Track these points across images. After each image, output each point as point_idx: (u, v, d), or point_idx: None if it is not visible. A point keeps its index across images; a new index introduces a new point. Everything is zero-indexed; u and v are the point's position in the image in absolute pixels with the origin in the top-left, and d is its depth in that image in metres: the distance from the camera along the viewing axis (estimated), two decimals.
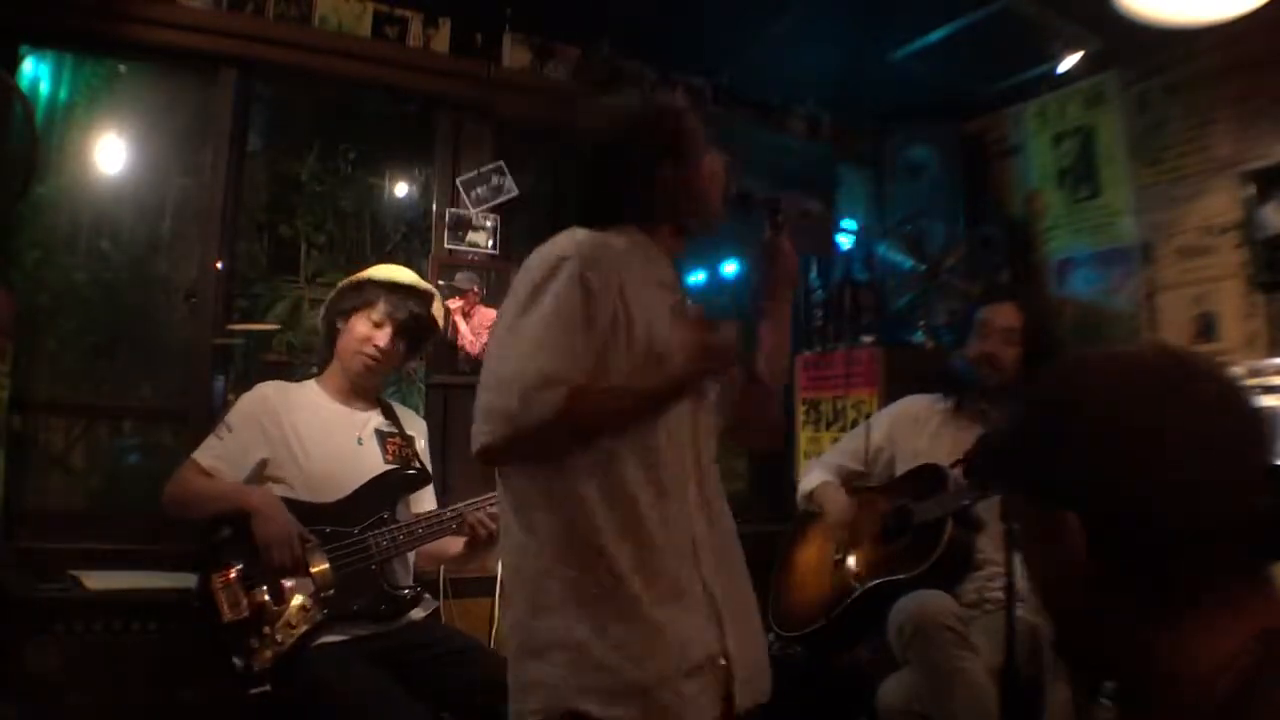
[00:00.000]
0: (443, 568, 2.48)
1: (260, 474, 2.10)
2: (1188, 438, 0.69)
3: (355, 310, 2.21)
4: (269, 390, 2.20)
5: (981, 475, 1.54)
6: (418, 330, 2.27)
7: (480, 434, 1.32)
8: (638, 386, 1.38)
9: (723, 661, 1.37)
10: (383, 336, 2.19)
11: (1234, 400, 0.72)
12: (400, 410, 2.37)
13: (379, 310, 2.20)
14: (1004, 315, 2.45)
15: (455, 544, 2.20)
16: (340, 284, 2.28)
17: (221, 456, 2.08)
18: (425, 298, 2.31)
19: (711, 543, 1.44)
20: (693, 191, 1.51)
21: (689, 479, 1.44)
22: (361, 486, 2.10)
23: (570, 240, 1.39)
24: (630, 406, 1.37)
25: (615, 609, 1.31)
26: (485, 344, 2.88)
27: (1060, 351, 3.01)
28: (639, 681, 1.28)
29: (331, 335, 2.26)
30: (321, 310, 2.29)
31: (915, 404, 2.58)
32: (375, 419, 2.27)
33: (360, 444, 2.20)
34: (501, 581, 1.53)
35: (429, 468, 2.36)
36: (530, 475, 1.38)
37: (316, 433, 2.15)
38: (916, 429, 2.51)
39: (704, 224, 1.56)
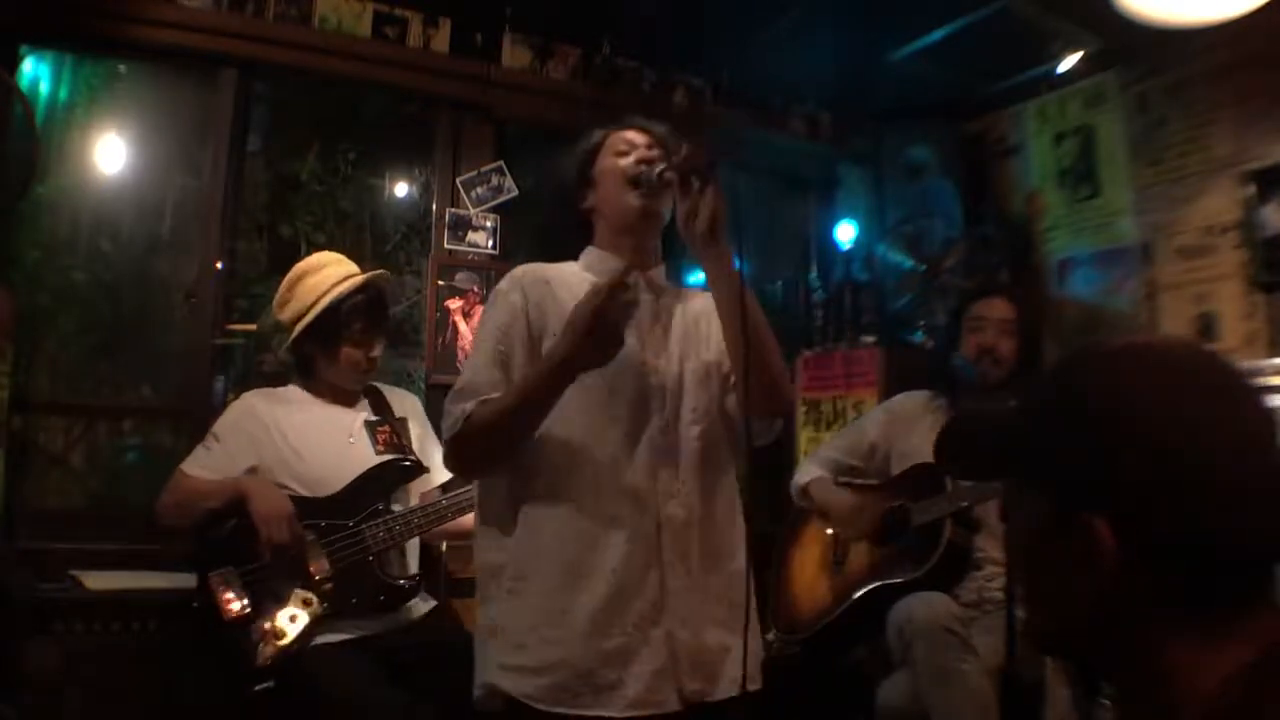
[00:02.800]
0: (445, 567, 2.49)
1: None
2: (1229, 439, 0.66)
3: (338, 341, 2.17)
4: (254, 398, 2.21)
5: (961, 466, 1.27)
6: (384, 315, 2.29)
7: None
8: (516, 384, 1.44)
9: (661, 645, 1.38)
10: (375, 346, 2.23)
11: (1261, 400, 0.70)
12: (388, 391, 2.36)
13: (360, 325, 2.18)
14: (997, 308, 2.44)
15: (469, 520, 2.19)
16: (307, 312, 2.16)
17: (209, 467, 2.09)
18: (377, 283, 2.26)
19: (673, 519, 1.44)
20: (605, 208, 1.59)
21: (637, 453, 1.45)
22: (356, 479, 2.11)
23: (509, 275, 1.56)
24: (513, 402, 1.41)
25: (527, 596, 1.41)
26: None
27: (1057, 349, 3.01)
28: (546, 661, 1.36)
29: (308, 356, 2.21)
30: (288, 341, 2.19)
31: (912, 401, 2.57)
32: (363, 412, 2.27)
33: (352, 440, 2.20)
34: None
35: (431, 445, 2.31)
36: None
37: (307, 435, 2.15)
38: (913, 427, 2.50)
39: (619, 217, 1.56)
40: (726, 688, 1.42)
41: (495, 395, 1.42)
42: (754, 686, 1.43)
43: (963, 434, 0.87)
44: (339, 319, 2.17)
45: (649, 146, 1.57)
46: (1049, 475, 0.72)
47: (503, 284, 1.55)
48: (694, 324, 1.59)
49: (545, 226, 1.78)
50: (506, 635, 1.42)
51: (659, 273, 1.63)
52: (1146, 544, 0.66)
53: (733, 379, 1.51)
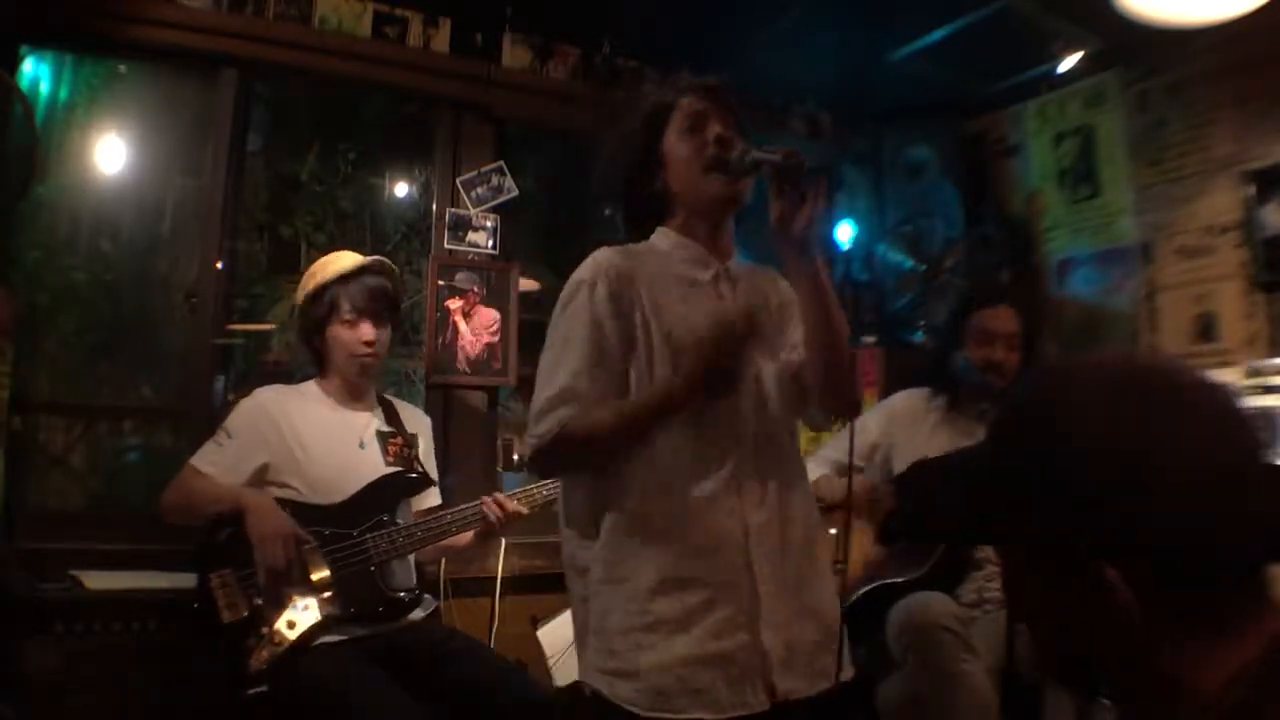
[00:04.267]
0: (443, 567, 2.49)
1: (261, 479, 2.09)
2: (1198, 444, 0.67)
3: (328, 320, 2.18)
4: (268, 395, 2.18)
5: (924, 533, 1.32)
6: (386, 303, 2.24)
7: (525, 447, 1.46)
8: (624, 405, 1.40)
9: (753, 649, 1.37)
10: (366, 330, 2.17)
11: (1230, 408, 0.70)
12: (402, 407, 2.36)
13: (345, 309, 2.16)
14: (1003, 320, 2.43)
15: (466, 535, 2.21)
16: (299, 300, 2.23)
17: (220, 463, 2.07)
18: (375, 269, 2.26)
19: (759, 524, 1.42)
20: (679, 186, 1.49)
21: (725, 461, 1.41)
22: (362, 489, 2.10)
23: (590, 262, 1.46)
24: (617, 424, 1.38)
25: (617, 600, 1.38)
26: (485, 345, 2.90)
27: (1057, 349, 3.01)
28: (641, 665, 1.33)
29: (315, 351, 2.24)
30: (295, 333, 2.26)
31: (912, 400, 2.57)
32: (376, 420, 2.26)
33: (362, 447, 2.20)
34: None
35: (432, 466, 2.36)
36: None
37: (318, 436, 2.14)
38: (914, 427, 2.50)
39: (699, 202, 1.48)
40: (818, 682, 1.41)
41: (593, 403, 1.38)
42: (847, 676, 1.44)
43: (916, 497, 0.83)
44: (325, 297, 2.17)
45: (724, 123, 1.48)
46: (1036, 528, 0.70)
47: (583, 273, 1.45)
48: (775, 319, 1.55)
49: (602, 209, 1.66)
50: (600, 638, 1.40)
51: (736, 258, 1.56)
52: (1148, 566, 0.65)
53: (805, 377, 1.48)
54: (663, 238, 1.53)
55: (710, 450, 1.42)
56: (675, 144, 1.49)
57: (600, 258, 1.46)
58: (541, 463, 1.44)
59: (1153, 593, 0.66)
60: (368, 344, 2.18)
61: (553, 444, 1.37)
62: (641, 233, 1.56)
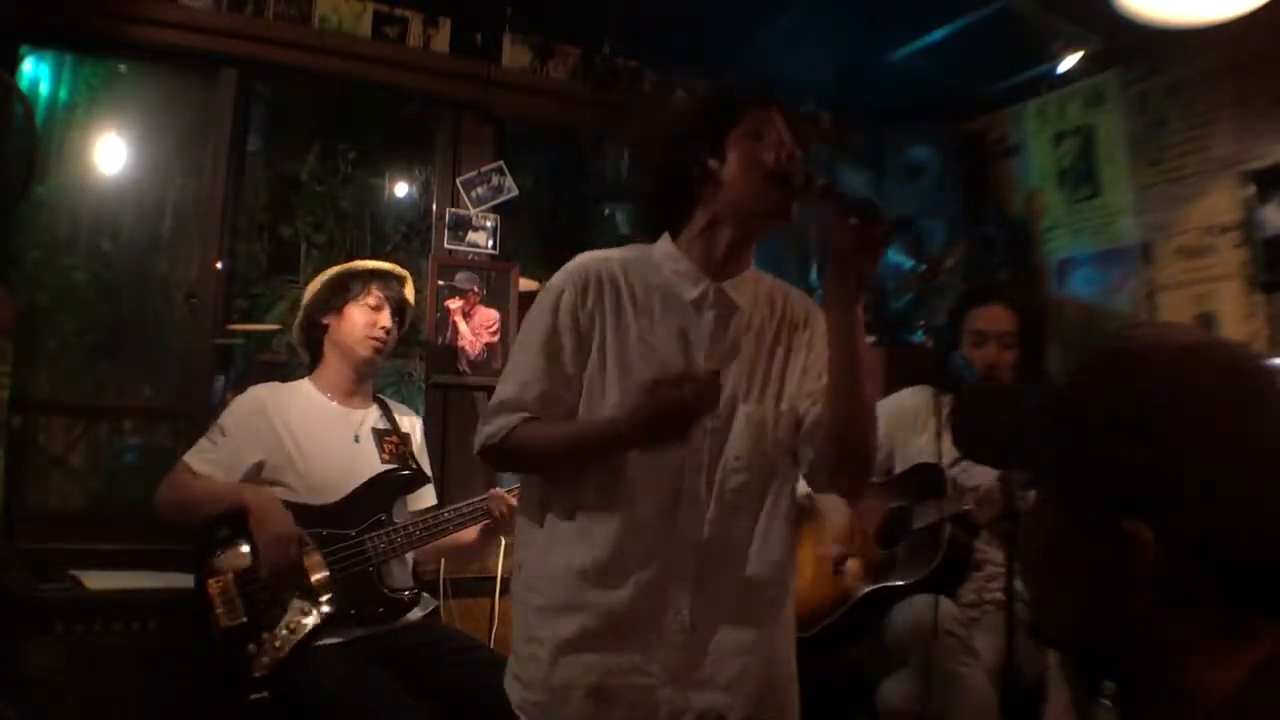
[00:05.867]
0: (443, 567, 2.49)
1: (256, 477, 2.09)
2: (1268, 440, 0.64)
3: (347, 303, 2.22)
4: (263, 393, 2.19)
5: (989, 455, 1.24)
6: (403, 309, 2.33)
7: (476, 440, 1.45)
8: (570, 428, 1.39)
9: (654, 685, 1.33)
10: (385, 318, 2.22)
11: None
12: (394, 406, 2.37)
13: (374, 295, 2.22)
14: (996, 319, 2.43)
15: (469, 533, 2.21)
16: (319, 282, 2.26)
17: (214, 461, 2.07)
18: (401, 278, 2.35)
19: (697, 574, 1.36)
20: (719, 181, 1.39)
21: (663, 507, 1.36)
22: (359, 488, 2.10)
23: (569, 267, 1.44)
24: (558, 446, 1.39)
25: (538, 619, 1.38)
26: (485, 344, 2.90)
27: (1057, 350, 3.01)
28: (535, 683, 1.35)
29: (317, 335, 2.25)
30: (300, 314, 2.27)
31: (912, 399, 2.57)
32: (372, 417, 2.26)
33: (357, 442, 2.20)
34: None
35: (425, 463, 2.36)
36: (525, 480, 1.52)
37: (313, 433, 2.14)
38: (914, 426, 2.50)
39: (744, 209, 1.39)
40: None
41: (537, 415, 1.37)
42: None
43: (980, 416, 0.82)
44: (351, 276, 2.24)
45: (795, 142, 1.39)
46: (1081, 478, 0.69)
47: (558, 278, 1.43)
48: (767, 357, 1.44)
49: (602, 210, 1.60)
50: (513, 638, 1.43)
51: (746, 275, 1.46)
52: (1186, 550, 0.64)
53: (813, 431, 1.40)
54: (661, 246, 1.46)
55: (652, 482, 1.35)
56: (742, 145, 1.39)
57: (577, 265, 1.43)
58: (488, 459, 1.45)
59: (1184, 582, 0.65)
60: (385, 329, 2.22)
61: (497, 447, 1.39)
62: (651, 236, 1.49)
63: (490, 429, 1.39)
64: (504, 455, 1.41)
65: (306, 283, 2.43)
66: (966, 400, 0.86)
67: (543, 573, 1.39)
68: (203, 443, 2.10)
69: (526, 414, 1.37)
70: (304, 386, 2.25)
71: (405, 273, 2.38)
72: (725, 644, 1.37)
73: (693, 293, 1.42)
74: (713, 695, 1.35)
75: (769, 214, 1.40)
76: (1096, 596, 0.69)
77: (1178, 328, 0.77)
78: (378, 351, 2.23)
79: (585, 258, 1.44)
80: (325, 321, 2.23)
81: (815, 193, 1.32)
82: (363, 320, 2.20)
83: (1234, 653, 0.64)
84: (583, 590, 1.34)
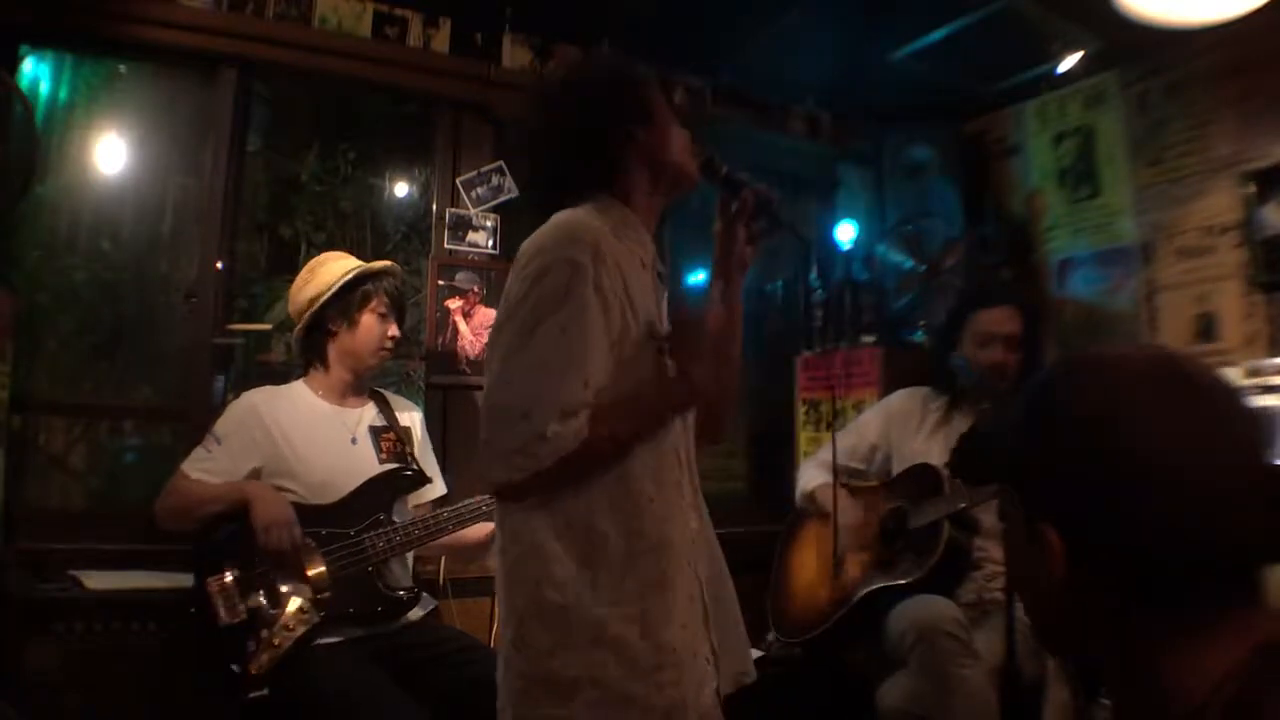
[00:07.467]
0: (443, 566, 2.49)
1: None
2: (1186, 451, 0.66)
3: (360, 309, 2.19)
4: (256, 398, 2.18)
5: (966, 473, 1.46)
6: (403, 309, 2.32)
7: (496, 472, 1.26)
8: (650, 400, 1.35)
9: (709, 659, 1.38)
10: (394, 327, 2.23)
11: (1232, 407, 0.70)
12: (393, 399, 2.36)
13: (383, 302, 2.21)
14: (1003, 321, 2.43)
15: (477, 531, 2.20)
16: (331, 286, 2.19)
17: (211, 469, 2.07)
18: (396, 273, 2.32)
19: (705, 536, 1.45)
20: (665, 150, 1.46)
21: (682, 477, 1.42)
22: (358, 488, 2.10)
23: (572, 235, 1.31)
24: (647, 423, 1.34)
25: (638, 634, 1.28)
26: (485, 346, 2.89)
27: (1056, 352, 3.01)
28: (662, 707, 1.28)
29: (322, 340, 2.22)
30: (307, 318, 2.20)
31: (910, 399, 2.57)
32: (368, 415, 2.26)
33: (354, 443, 2.19)
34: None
35: (430, 458, 2.35)
36: (544, 502, 1.30)
37: (310, 436, 2.14)
38: (913, 427, 2.50)
39: (677, 184, 1.48)
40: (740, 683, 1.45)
41: (605, 406, 1.27)
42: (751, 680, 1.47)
43: (972, 442, 0.93)
44: (365, 286, 2.21)
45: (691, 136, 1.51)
46: (1017, 483, 0.75)
47: (563, 251, 1.29)
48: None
49: (535, 140, 1.48)
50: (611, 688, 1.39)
51: None
52: (1094, 548, 0.68)
53: None
54: (614, 212, 1.41)
55: (672, 457, 1.40)
56: (667, 115, 1.48)
57: (575, 232, 1.31)
58: (554, 480, 1.25)
59: (1137, 590, 0.67)
60: (394, 339, 2.23)
61: (572, 461, 1.23)
62: (547, 209, 1.40)
63: (560, 443, 1.21)
64: (581, 464, 1.25)
65: None
66: (966, 433, 0.97)
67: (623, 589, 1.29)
68: (199, 451, 2.10)
69: (588, 409, 1.25)
70: (298, 389, 2.24)
71: (397, 266, 2.34)
72: (721, 595, 1.44)
73: (646, 253, 1.46)
74: (732, 661, 1.43)
75: (689, 183, 1.50)
76: (1038, 594, 0.75)
77: (1122, 345, 0.88)
78: (383, 359, 2.25)
79: (573, 225, 1.33)
80: (335, 329, 2.21)
81: (719, 179, 1.49)
82: (377, 330, 2.20)
83: (1208, 647, 0.65)
84: (676, 582, 1.34)
